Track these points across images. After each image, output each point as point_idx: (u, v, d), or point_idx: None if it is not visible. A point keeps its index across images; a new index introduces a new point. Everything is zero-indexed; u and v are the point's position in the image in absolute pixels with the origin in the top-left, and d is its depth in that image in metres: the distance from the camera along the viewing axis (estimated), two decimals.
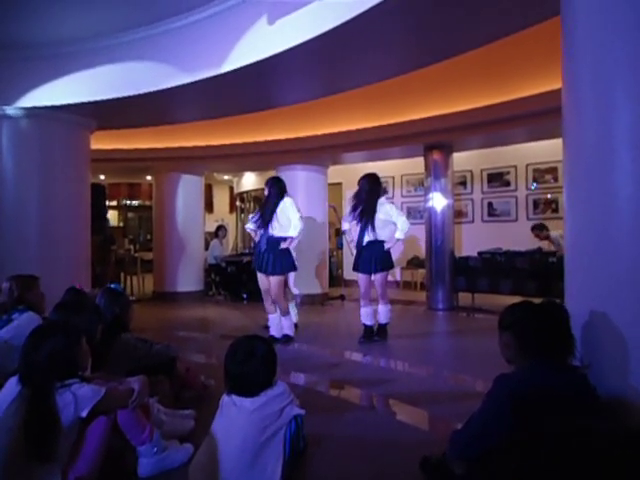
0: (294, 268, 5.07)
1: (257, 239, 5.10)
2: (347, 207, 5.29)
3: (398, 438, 2.65)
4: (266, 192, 5.08)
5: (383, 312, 5.05)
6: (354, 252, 5.11)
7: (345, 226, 5.31)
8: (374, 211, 4.90)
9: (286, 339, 5.00)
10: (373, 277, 5.01)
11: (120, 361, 2.73)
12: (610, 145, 1.88)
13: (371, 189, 4.99)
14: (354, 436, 2.68)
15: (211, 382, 3.32)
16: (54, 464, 1.79)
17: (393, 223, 4.92)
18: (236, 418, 2.03)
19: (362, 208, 4.96)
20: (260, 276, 5.04)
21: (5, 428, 1.81)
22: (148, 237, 11.95)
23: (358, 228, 5.01)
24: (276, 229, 4.88)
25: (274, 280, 4.91)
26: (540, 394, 1.73)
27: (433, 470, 2.10)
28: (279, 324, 5.04)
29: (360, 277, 5.08)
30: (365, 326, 5.02)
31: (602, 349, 1.92)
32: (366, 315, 5.03)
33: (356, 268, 5.07)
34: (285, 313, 5.03)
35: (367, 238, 4.93)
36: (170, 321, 6.65)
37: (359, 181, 5.10)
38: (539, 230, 7.11)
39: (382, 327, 5.09)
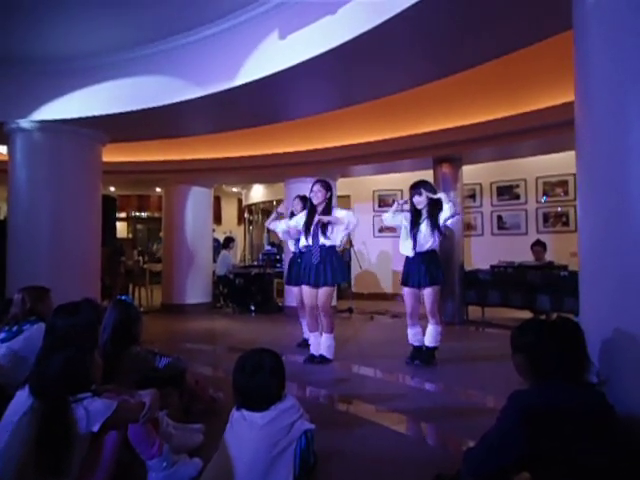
0: (348, 277, 4.80)
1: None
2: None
3: (409, 454, 2.62)
4: (319, 198, 4.59)
5: (431, 334, 4.54)
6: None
7: (388, 217, 4.70)
8: (438, 213, 4.44)
9: (322, 359, 4.63)
10: (422, 292, 4.58)
11: (130, 373, 2.72)
12: (625, 157, 1.87)
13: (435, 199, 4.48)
14: (364, 451, 2.65)
15: (220, 395, 3.30)
16: (66, 478, 1.77)
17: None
18: (246, 433, 2.01)
19: (425, 212, 4.51)
20: (306, 290, 4.66)
21: (17, 441, 1.80)
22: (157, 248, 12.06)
23: (411, 236, 4.53)
24: (327, 239, 4.58)
25: (326, 292, 4.57)
26: (554, 412, 1.70)
27: None
28: (321, 342, 4.67)
29: (405, 292, 4.65)
30: (413, 347, 4.66)
31: (620, 365, 1.88)
32: (413, 336, 4.64)
33: (405, 282, 4.64)
34: (330, 330, 4.64)
35: (420, 245, 4.50)
36: (178, 333, 6.64)
37: (416, 188, 4.53)
38: (543, 249, 6.94)
39: (429, 351, 4.57)
